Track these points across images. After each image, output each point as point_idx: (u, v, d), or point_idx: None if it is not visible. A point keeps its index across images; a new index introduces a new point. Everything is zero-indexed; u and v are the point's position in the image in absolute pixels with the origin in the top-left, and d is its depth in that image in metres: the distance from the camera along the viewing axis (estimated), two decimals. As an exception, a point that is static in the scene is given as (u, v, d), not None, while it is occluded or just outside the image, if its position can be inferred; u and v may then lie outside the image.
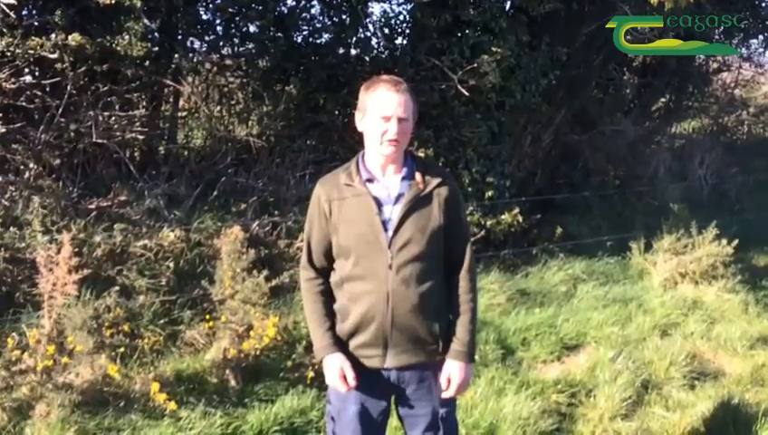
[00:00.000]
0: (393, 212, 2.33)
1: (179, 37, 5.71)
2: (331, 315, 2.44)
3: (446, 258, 2.43)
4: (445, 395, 2.42)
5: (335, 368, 2.36)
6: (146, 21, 4.86)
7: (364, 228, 2.32)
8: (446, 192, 2.38)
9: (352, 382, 2.35)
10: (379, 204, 2.33)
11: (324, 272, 2.46)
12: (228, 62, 6.29)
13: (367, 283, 2.33)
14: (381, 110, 2.28)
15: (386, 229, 2.32)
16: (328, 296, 2.45)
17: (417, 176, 2.36)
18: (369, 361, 2.40)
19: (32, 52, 4.57)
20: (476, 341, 2.49)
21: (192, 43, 5.96)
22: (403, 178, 2.36)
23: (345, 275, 2.38)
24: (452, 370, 2.41)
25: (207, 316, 4.27)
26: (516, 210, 6.31)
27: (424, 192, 2.35)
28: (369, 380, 2.41)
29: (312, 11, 6.31)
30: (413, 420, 2.50)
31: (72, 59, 4.71)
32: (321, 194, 2.39)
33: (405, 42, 6.69)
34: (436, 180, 2.38)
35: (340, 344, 2.40)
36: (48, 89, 4.83)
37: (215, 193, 5.37)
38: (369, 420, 2.45)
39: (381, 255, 2.31)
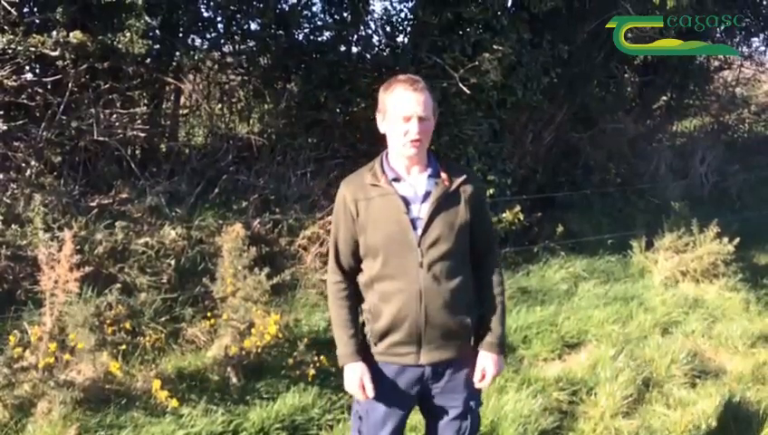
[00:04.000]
0: (421, 210, 2.33)
1: (180, 35, 5.70)
2: (355, 321, 2.45)
3: (471, 254, 2.45)
4: (479, 385, 2.46)
5: (355, 377, 2.38)
6: (147, 18, 4.85)
7: (393, 228, 2.32)
8: (471, 189, 2.40)
9: (371, 393, 2.37)
10: (406, 203, 2.33)
11: (352, 273, 2.46)
12: (229, 59, 6.29)
13: (398, 282, 2.33)
14: (401, 110, 2.28)
15: (415, 228, 2.32)
16: (353, 301, 2.46)
17: (443, 174, 2.37)
18: (404, 358, 2.40)
19: (33, 49, 4.55)
20: (505, 334, 2.54)
21: (193, 40, 5.95)
22: (429, 177, 2.37)
23: (374, 275, 2.38)
24: (487, 362, 2.44)
25: (209, 314, 4.28)
26: (517, 208, 6.31)
27: (450, 189, 2.36)
28: (400, 378, 2.42)
29: (314, 8, 6.31)
30: (442, 411, 2.52)
31: (73, 56, 4.71)
32: (347, 194, 2.39)
33: (406, 39, 6.69)
34: (462, 177, 2.39)
35: (364, 352, 2.42)
36: (49, 86, 4.83)
37: (216, 191, 5.38)
38: (396, 417, 2.48)
39: (411, 253, 2.31)
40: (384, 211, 2.33)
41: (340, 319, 2.44)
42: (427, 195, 2.34)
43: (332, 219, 2.47)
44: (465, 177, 2.40)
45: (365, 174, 2.39)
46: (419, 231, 2.32)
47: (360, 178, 2.41)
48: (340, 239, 2.43)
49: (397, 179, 2.36)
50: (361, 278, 2.44)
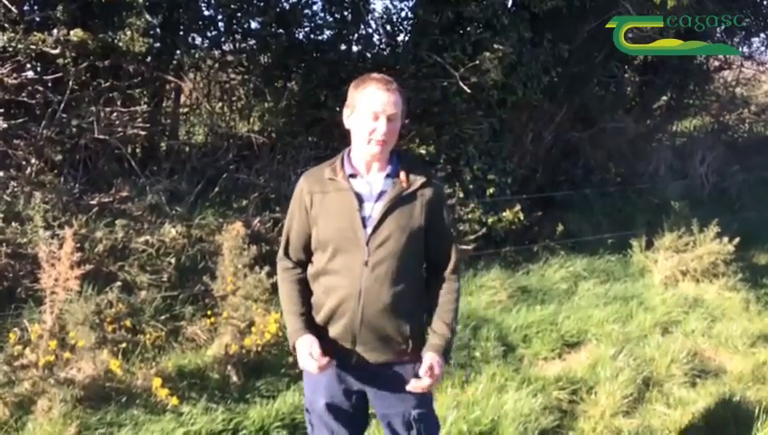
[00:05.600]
0: (374, 209, 2.31)
1: (181, 33, 5.71)
2: (305, 303, 2.41)
3: (427, 260, 2.42)
4: (417, 384, 2.31)
5: (304, 349, 2.30)
6: (148, 17, 4.86)
7: (343, 224, 2.30)
8: (431, 193, 2.36)
9: (321, 361, 2.26)
10: (360, 200, 2.31)
11: (301, 264, 2.46)
12: (230, 58, 6.29)
13: (341, 278, 2.32)
14: (371, 108, 2.25)
15: (365, 226, 2.29)
16: (304, 285, 2.44)
17: (402, 174, 2.34)
18: (339, 354, 2.38)
19: (33, 47, 4.56)
20: (453, 343, 2.44)
21: (194, 39, 5.95)
22: (387, 176, 2.34)
23: (321, 269, 2.37)
24: (433, 361, 2.31)
25: (209, 312, 4.29)
26: (517, 207, 6.32)
27: (407, 191, 2.32)
28: (338, 374, 2.42)
29: (314, 7, 6.30)
30: (385, 420, 2.52)
31: (73, 54, 4.71)
32: (304, 187, 2.39)
33: (406, 38, 6.69)
34: (421, 180, 2.35)
35: (314, 329, 2.37)
36: (50, 84, 4.83)
37: (216, 189, 5.38)
38: (339, 412, 2.46)
39: (358, 251, 2.29)
40: (337, 206, 2.32)
41: (289, 299, 2.42)
42: (382, 194, 2.32)
43: (288, 211, 2.46)
44: (424, 180, 2.35)
45: (325, 168, 2.38)
46: (369, 230, 2.29)
47: (320, 171, 2.39)
48: (292, 231, 2.43)
49: (354, 176, 2.34)
50: (310, 271, 2.43)
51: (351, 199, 2.30)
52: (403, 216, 2.31)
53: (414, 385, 2.32)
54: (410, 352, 2.39)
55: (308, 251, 2.43)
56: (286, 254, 2.46)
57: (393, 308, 2.32)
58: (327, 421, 2.47)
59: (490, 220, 6.18)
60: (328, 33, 6.36)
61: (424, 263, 2.43)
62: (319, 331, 2.38)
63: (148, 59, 5.36)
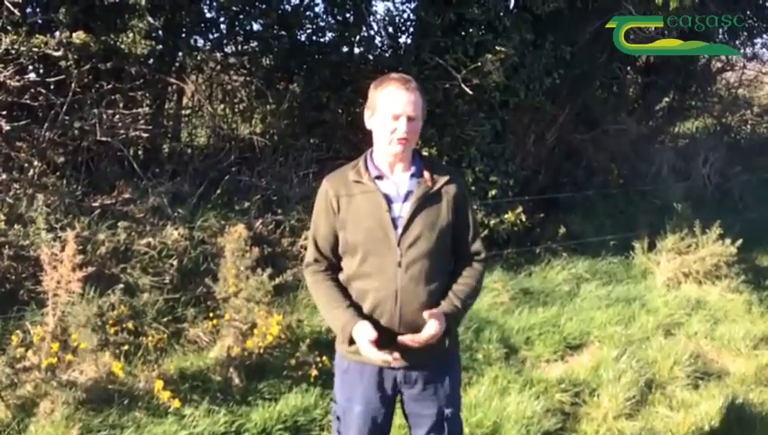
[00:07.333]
0: (403, 209, 2.32)
1: (183, 35, 5.71)
2: (348, 297, 2.37)
3: (454, 254, 2.43)
4: (406, 338, 2.29)
5: (366, 335, 2.23)
6: (150, 19, 4.86)
7: (373, 226, 2.30)
8: (455, 189, 2.38)
9: (395, 355, 2.24)
10: (388, 201, 2.32)
11: (332, 268, 2.43)
12: (232, 60, 6.30)
13: (375, 280, 2.32)
14: (391, 108, 2.27)
15: (395, 227, 2.30)
16: (339, 283, 2.41)
17: (426, 173, 2.36)
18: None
19: (36, 49, 4.56)
20: (462, 318, 2.46)
21: (196, 41, 5.95)
22: (412, 176, 2.35)
23: (352, 273, 2.36)
24: (436, 316, 2.27)
25: (211, 314, 4.28)
26: (519, 209, 6.31)
27: (433, 189, 2.34)
28: (375, 378, 2.40)
29: (316, 9, 6.33)
30: (418, 419, 2.49)
31: (76, 57, 4.71)
32: (329, 189, 2.37)
33: (409, 40, 6.70)
34: (445, 178, 2.37)
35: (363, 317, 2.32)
36: (52, 87, 4.83)
37: (218, 191, 5.38)
38: (373, 419, 2.44)
39: (390, 252, 2.30)
40: (365, 209, 2.32)
41: (328, 296, 2.37)
42: (409, 194, 2.33)
43: (313, 215, 2.44)
44: (448, 177, 2.38)
45: (348, 171, 2.37)
46: (399, 230, 2.30)
47: (342, 174, 2.39)
48: (319, 235, 2.41)
49: (380, 177, 2.34)
50: (341, 277, 2.42)
51: (380, 201, 2.31)
52: (431, 214, 2.33)
53: (402, 339, 2.28)
54: (447, 348, 2.40)
55: (336, 254, 2.41)
56: (315, 259, 2.44)
57: (429, 306, 2.31)
58: (359, 429, 2.43)
59: (492, 222, 6.17)
60: (330, 35, 6.37)
61: (452, 259, 2.44)
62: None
63: (151, 61, 5.35)
